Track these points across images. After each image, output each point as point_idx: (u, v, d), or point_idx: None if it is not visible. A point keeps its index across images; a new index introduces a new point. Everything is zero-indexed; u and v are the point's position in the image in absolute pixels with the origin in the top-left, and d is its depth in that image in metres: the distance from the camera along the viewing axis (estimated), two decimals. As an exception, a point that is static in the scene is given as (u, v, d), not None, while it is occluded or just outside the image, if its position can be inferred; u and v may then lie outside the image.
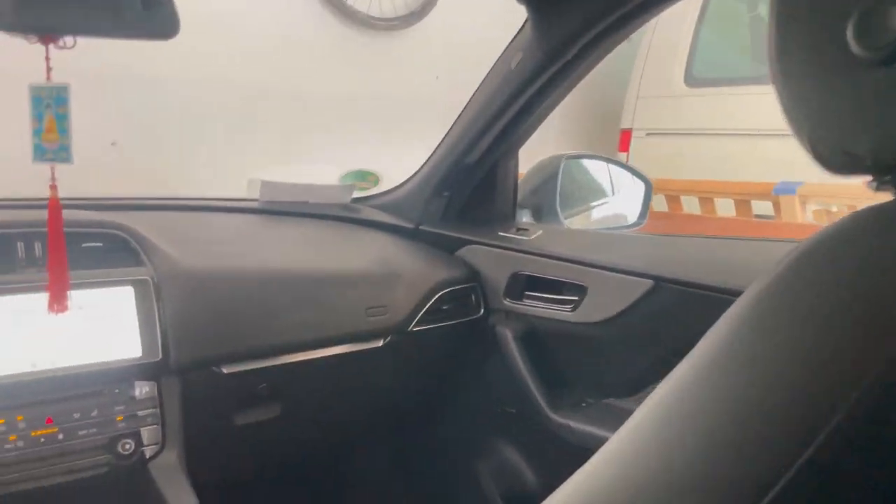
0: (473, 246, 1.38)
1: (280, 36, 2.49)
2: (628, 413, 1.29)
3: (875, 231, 0.42)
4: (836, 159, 0.47)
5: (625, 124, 3.44)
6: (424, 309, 1.29)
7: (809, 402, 0.35)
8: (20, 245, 0.94)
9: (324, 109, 2.55)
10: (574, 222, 1.49)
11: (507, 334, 1.31)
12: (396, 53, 2.83)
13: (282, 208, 1.47)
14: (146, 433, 0.97)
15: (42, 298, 0.86)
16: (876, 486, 0.34)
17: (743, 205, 2.68)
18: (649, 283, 1.12)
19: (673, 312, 1.11)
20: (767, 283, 0.42)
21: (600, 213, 1.54)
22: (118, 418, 0.95)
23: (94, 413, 0.94)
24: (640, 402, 1.26)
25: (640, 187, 1.52)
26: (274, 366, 1.14)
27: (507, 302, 1.32)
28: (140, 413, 0.97)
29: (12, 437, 0.88)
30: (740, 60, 3.39)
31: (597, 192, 1.55)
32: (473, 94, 1.30)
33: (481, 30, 2.87)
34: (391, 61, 2.78)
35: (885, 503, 0.34)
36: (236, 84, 2.38)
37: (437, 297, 1.30)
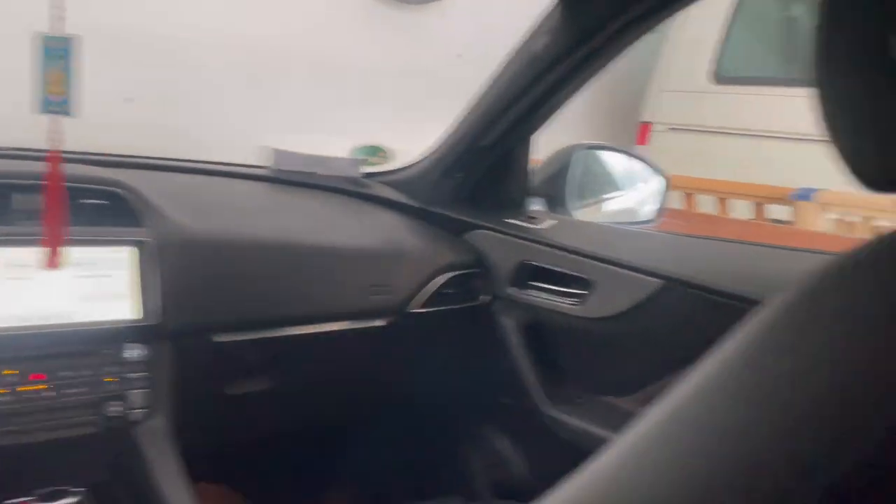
0: (481, 231, 1.35)
1: (302, 2, 2.45)
2: (623, 413, 1.27)
3: None
4: (874, 173, 0.44)
5: (645, 117, 3.39)
6: (427, 291, 1.27)
7: (828, 430, 0.33)
8: (17, 197, 0.92)
9: (340, 80, 2.51)
10: (586, 214, 1.46)
11: (510, 323, 1.28)
12: (419, 28, 2.79)
13: (290, 178, 1.45)
14: (135, 396, 0.96)
15: (37, 253, 0.84)
16: None
17: (760, 208, 2.64)
18: (659, 282, 1.10)
19: (681, 315, 1.08)
20: (790, 300, 0.39)
21: (614, 206, 1.50)
22: (108, 379, 0.94)
23: (85, 372, 0.93)
24: (636, 402, 1.24)
25: (656, 183, 1.49)
26: (270, 338, 1.12)
27: (511, 290, 1.30)
28: (130, 376, 0.96)
29: (1, 391, 0.87)
30: (771, 60, 3.32)
31: (611, 184, 1.51)
32: (493, 75, 1.27)
33: (506, 8, 2.82)
34: (413, 36, 2.74)
35: None
36: (253, 48, 2.35)
37: (441, 279, 1.28)
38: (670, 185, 1.47)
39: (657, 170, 1.47)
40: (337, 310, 1.19)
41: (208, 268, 1.05)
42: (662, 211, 1.45)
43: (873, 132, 0.43)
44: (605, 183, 1.50)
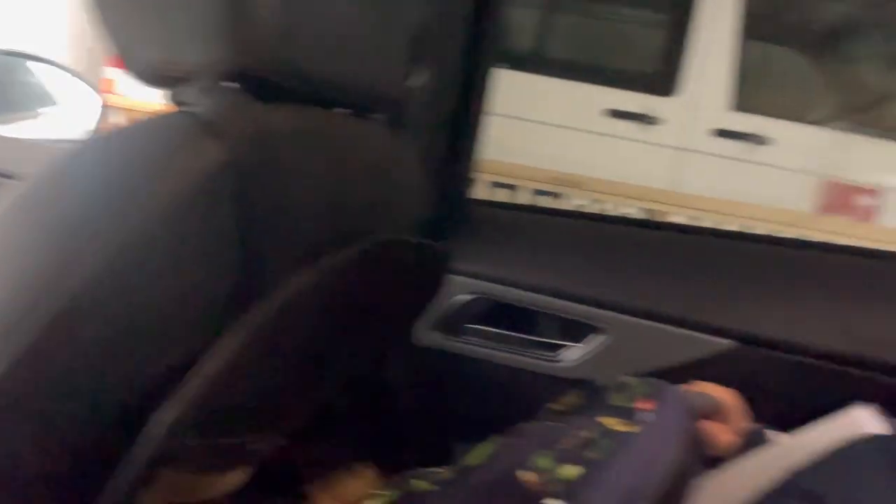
0: None
1: None
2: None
3: (140, 138, 0.44)
4: (144, 73, 0.48)
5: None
6: None
7: None
8: None
9: None
10: (10, 129, 1.30)
11: None
12: None
13: None
14: None
15: None
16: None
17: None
18: None
19: None
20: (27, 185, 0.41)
21: (41, 121, 1.36)
22: None
23: None
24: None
25: (93, 101, 1.40)
26: None
27: None
28: None
29: None
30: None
31: (39, 98, 1.36)
32: None
33: None
34: None
35: None
36: None
37: None
38: (106, 103, 1.41)
39: (94, 88, 1.39)
40: None
41: None
42: (96, 129, 1.38)
43: (139, 35, 0.47)
44: (30, 95, 1.35)
